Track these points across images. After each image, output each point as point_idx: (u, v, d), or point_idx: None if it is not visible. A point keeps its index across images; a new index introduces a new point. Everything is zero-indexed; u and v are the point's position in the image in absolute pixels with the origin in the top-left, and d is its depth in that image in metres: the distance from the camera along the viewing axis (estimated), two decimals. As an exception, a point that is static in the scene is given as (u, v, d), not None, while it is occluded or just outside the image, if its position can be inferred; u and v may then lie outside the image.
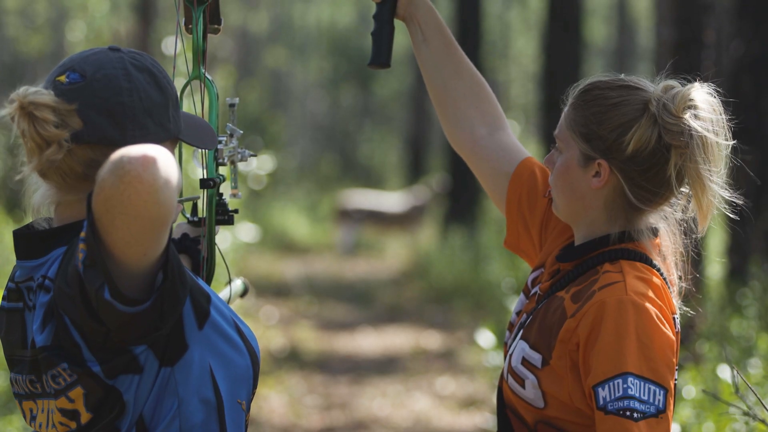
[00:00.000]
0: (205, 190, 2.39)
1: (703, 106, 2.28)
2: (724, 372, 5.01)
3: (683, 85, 2.32)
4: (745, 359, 5.93)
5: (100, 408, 2.06)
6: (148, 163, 1.87)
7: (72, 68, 2.10)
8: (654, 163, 2.28)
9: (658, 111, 2.27)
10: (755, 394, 3.18)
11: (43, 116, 2.03)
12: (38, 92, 2.05)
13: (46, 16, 26.81)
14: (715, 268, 8.35)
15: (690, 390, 5.37)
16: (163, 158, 1.89)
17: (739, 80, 7.90)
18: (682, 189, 2.32)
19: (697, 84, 2.32)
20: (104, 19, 12.87)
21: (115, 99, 2.08)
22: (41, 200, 2.13)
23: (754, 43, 7.65)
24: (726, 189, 2.31)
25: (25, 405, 2.15)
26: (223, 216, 2.40)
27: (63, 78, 2.09)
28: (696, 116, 2.26)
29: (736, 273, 7.71)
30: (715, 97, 2.31)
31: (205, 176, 2.39)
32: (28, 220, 2.21)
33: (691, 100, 2.27)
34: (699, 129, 2.25)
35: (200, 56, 2.42)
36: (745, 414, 4.89)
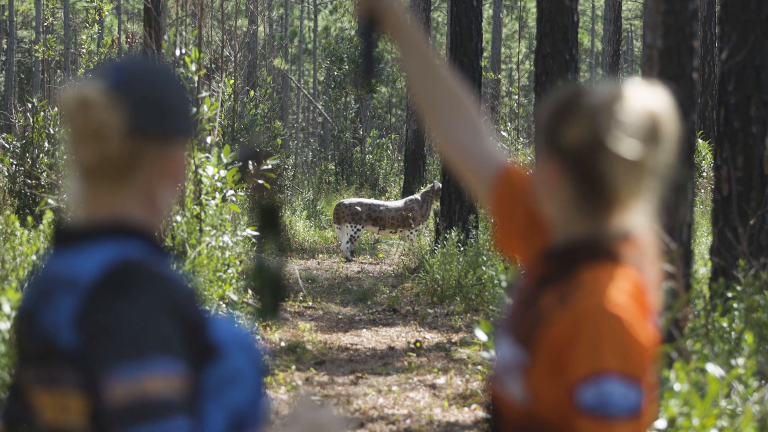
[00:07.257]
0: None
1: (642, 111, 2.26)
2: (711, 368, 5.06)
3: (648, 89, 2.29)
4: (732, 356, 6.03)
5: (93, 423, 2.08)
6: None
7: (111, 70, 2.18)
8: (594, 165, 2.26)
9: (598, 114, 2.26)
10: (741, 391, 3.25)
11: (99, 111, 2.12)
12: (92, 88, 2.13)
13: (58, 23, 26.88)
14: (703, 266, 8.39)
15: (677, 386, 5.45)
16: None
17: (726, 87, 7.86)
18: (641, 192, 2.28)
19: (644, 89, 2.29)
20: (114, 27, 12.99)
21: (157, 96, 2.19)
22: (76, 196, 2.17)
23: (740, 50, 7.70)
24: (666, 193, 2.29)
25: (34, 397, 2.17)
26: None
27: (104, 79, 2.16)
28: (636, 122, 2.25)
29: (723, 272, 7.68)
30: (666, 101, 2.29)
31: None
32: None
33: (631, 105, 2.26)
34: (635, 134, 2.24)
35: None
36: (732, 410, 5.00)
